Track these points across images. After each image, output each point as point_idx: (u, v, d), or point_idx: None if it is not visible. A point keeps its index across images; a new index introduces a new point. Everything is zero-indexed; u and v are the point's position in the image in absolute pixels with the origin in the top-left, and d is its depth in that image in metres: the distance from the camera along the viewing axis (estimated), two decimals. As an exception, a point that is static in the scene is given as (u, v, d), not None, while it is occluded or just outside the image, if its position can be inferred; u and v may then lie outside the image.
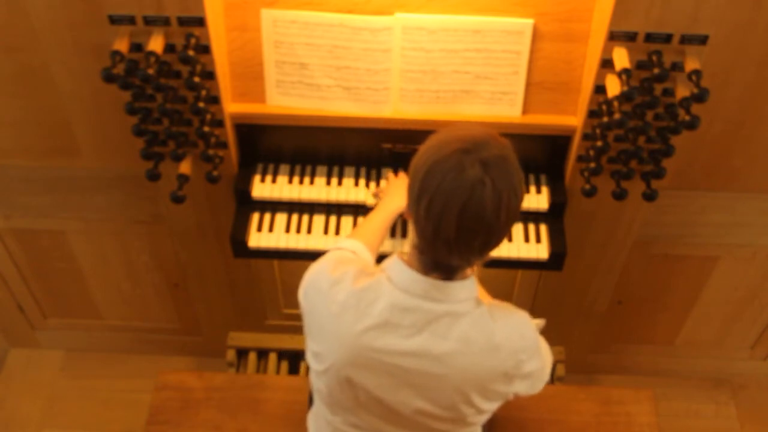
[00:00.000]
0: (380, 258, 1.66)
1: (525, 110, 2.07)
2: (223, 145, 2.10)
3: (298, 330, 2.78)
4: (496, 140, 1.33)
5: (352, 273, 1.47)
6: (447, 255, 1.36)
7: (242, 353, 2.83)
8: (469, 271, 1.45)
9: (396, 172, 2.17)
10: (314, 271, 1.53)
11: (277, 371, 2.81)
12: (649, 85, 1.85)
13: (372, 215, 1.90)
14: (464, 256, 1.36)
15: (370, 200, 2.15)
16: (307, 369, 2.77)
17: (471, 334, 1.42)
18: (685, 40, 1.79)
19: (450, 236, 1.30)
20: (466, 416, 1.50)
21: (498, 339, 1.43)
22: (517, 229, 2.18)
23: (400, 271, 1.42)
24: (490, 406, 1.53)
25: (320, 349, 1.49)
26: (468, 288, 1.44)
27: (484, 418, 1.58)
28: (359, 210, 2.21)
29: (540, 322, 1.73)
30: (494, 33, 1.94)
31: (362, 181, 2.19)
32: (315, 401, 1.71)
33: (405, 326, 1.41)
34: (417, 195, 1.33)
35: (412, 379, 1.45)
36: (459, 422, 1.53)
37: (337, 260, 1.53)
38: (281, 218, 2.20)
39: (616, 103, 1.81)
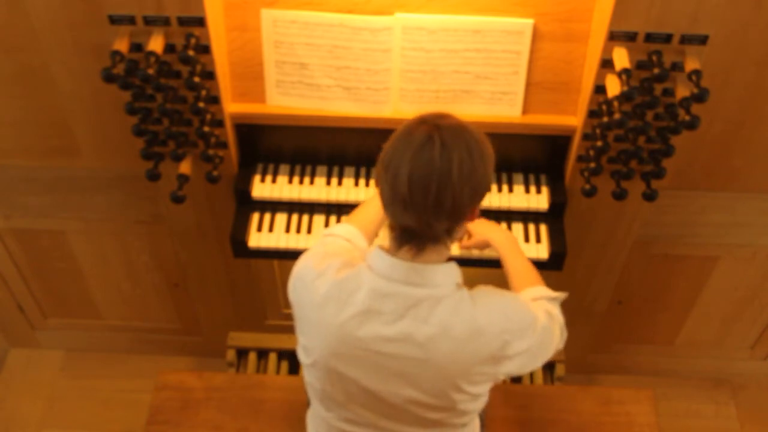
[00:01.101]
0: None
1: (525, 110, 2.07)
2: (223, 145, 2.10)
3: (298, 330, 2.79)
4: (460, 119, 1.39)
5: (336, 265, 1.49)
6: (404, 218, 1.37)
7: (242, 353, 2.83)
8: (444, 249, 1.46)
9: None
10: (300, 265, 1.55)
11: (277, 371, 2.81)
12: (649, 85, 1.85)
13: (370, 200, 1.86)
14: (421, 217, 1.36)
15: None
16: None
17: (451, 318, 1.42)
18: (685, 40, 1.79)
19: (404, 195, 1.33)
20: (456, 403, 1.50)
21: (480, 322, 1.44)
22: (517, 228, 2.18)
23: (380, 259, 1.44)
24: (480, 390, 1.52)
25: (308, 342, 1.51)
26: (446, 273, 1.45)
27: (478, 406, 1.57)
28: (359, 210, 2.21)
29: (561, 294, 1.73)
30: (494, 33, 1.94)
31: (362, 181, 2.19)
32: (310, 399, 1.71)
33: (386, 312, 1.42)
34: (379, 167, 1.39)
35: (398, 367, 1.45)
36: (451, 411, 1.53)
37: (323, 253, 1.55)
38: (281, 218, 2.20)
39: (616, 103, 1.81)
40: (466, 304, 1.45)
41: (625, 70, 1.77)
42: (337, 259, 1.51)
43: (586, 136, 2.02)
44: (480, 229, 1.98)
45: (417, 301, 1.42)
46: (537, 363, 1.58)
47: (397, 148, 1.35)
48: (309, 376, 1.57)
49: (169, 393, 2.28)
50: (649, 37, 1.79)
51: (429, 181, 1.32)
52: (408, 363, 1.44)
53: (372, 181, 2.19)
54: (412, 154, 1.33)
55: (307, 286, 1.49)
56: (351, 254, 1.57)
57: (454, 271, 1.47)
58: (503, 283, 1.76)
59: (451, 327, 1.42)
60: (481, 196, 1.41)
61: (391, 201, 1.37)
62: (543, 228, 2.18)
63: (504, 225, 2.19)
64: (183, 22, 1.81)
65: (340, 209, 2.21)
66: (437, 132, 1.33)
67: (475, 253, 2.09)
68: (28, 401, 2.96)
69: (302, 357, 1.56)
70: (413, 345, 1.43)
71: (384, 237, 2.00)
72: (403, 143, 1.35)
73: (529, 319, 1.52)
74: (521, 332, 1.49)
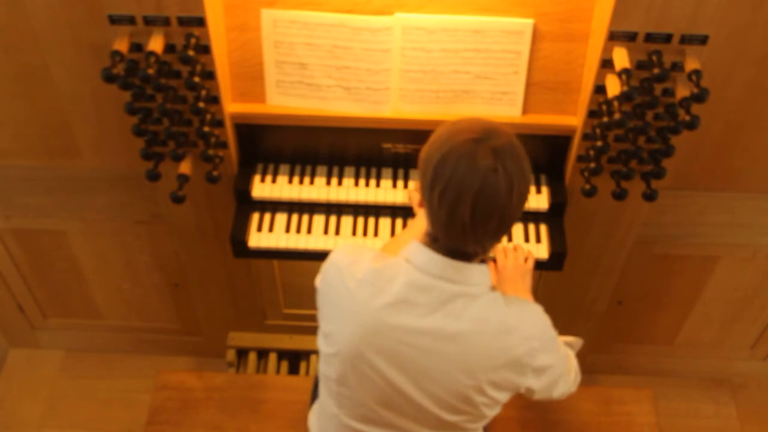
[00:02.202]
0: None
1: (525, 110, 2.07)
2: (223, 145, 2.10)
3: (298, 330, 2.80)
4: (503, 129, 1.39)
5: (370, 254, 1.51)
6: (461, 241, 1.39)
7: (242, 353, 2.83)
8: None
9: (396, 173, 2.19)
10: (333, 255, 1.56)
11: (277, 371, 2.81)
12: (649, 85, 1.85)
13: (404, 233, 1.91)
14: (479, 240, 1.39)
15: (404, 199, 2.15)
16: (308, 369, 2.78)
17: (485, 315, 1.44)
18: (685, 40, 1.79)
19: (465, 221, 1.34)
20: (476, 405, 1.51)
21: (511, 322, 1.46)
22: (517, 229, 2.18)
23: (419, 253, 1.46)
24: (501, 397, 1.53)
25: (333, 329, 1.51)
26: (482, 273, 1.47)
27: (493, 413, 1.58)
28: (359, 210, 2.21)
29: (577, 340, 1.77)
30: (494, 33, 1.94)
31: (362, 181, 2.19)
32: (321, 395, 1.71)
33: (421, 305, 1.44)
34: (430, 183, 1.37)
35: (425, 361, 1.46)
36: (469, 414, 1.53)
37: (356, 246, 1.58)
38: (281, 218, 2.20)
39: (616, 103, 1.81)
40: (500, 304, 1.47)
41: (625, 70, 1.77)
42: (371, 251, 1.54)
43: (586, 136, 2.02)
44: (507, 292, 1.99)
45: (452, 296, 1.44)
46: (555, 391, 1.60)
47: (458, 170, 1.32)
48: (327, 367, 1.56)
49: (169, 393, 2.28)
50: (649, 37, 1.79)
51: (493, 210, 1.34)
52: (435, 358, 1.46)
53: (372, 181, 2.19)
54: (480, 183, 1.31)
55: (341, 271, 1.50)
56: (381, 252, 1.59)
57: (488, 274, 1.49)
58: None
59: (484, 322, 1.44)
60: None
61: (447, 223, 1.37)
62: (543, 228, 2.18)
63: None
64: (183, 22, 1.81)
65: (340, 209, 2.21)
66: (499, 158, 1.32)
67: None
68: (28, 401, 2.96)
69: (323, 346, 1.55)
70: (443, 339, 1.44)
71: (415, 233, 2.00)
72: (466, 167, 1.32)
73: (553, 335, 1.55)
74: (548, 343, 1.52)
